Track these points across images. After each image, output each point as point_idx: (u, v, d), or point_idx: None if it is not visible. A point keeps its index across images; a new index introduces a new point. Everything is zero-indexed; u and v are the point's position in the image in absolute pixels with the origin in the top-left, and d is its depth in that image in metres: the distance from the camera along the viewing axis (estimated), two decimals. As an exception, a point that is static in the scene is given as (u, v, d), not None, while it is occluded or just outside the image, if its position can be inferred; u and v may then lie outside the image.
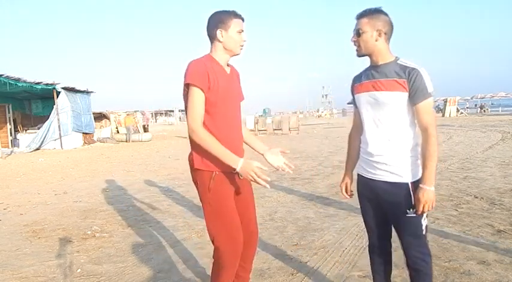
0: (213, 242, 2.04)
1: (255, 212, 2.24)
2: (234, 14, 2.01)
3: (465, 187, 5.45)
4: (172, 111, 70.19)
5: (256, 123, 20.73)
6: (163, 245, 3.62)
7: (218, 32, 1.98)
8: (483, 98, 42.26)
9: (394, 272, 2.21)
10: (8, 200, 5.91)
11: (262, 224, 4.15)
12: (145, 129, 22.72)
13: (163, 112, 77.52)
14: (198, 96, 1.91)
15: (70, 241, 3.83)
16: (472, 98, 43.78)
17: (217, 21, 1.99)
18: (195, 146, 1.99)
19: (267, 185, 1.91)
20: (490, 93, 42.08)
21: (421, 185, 1.79)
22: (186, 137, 21.51)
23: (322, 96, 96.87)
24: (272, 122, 21.71)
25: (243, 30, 2.02)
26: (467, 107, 42.33)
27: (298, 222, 4.20)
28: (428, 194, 1.76)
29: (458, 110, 34.66)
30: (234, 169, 1.99)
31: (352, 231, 3.74)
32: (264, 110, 57.71)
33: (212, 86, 1.93)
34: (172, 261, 3.21)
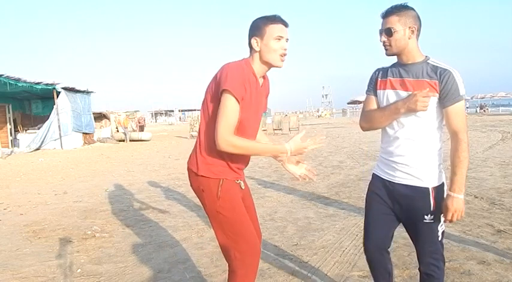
0: (228, 254, 1.85)
1: (257, 216, 2.12)
2: (271, 19, 1.78)
3: (465, 187, 5.44)
4: (172, 111, 70.29)
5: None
6: (163, 245, 3.62)
7: (253, 40, 1.79)
8: (483, 98, 42.34)
9: (394, 271, 2.20)
10: (8, 200, 5.91)
11: (262, 224, 4.15)
12: (142, 129, 22.90)
13: (164, 112, 77.58)
14: (234, 106, 1.71)
15: (70, 241, 3.83)
16: (472, 98, 43.82)
17: (252, 28, 1.81)
18: (201, 151, 1.85)
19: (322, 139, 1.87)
20: (490, 93, 42.16)
21: (449, 193, 1.69)
22: (186, 137, 21.39)
23: (322, 96, 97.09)
24: (272, 121, 21.73)
25: (282, 37, 1.77)
26: (467, 107, 42.35)
27: (298, 222, 4.20)
28: (458, 203, 1.67)
29: (458, 110, 34.60)
30: (238, 178, 1.88)
31: (352, 231, 3.74)
32: (264, 110, 57.60)
33: (244, 99, 1.75)
34: (172, 261, 3.21)
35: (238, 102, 1.72)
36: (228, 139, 1.70)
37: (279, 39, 1.76)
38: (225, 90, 1.69)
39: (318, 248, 3.36)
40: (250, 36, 1.81)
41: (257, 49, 1.79)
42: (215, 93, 1.78)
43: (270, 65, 1.82)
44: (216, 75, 1.79)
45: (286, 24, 1.80)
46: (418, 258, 1.87)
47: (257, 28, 1.78)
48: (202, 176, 1.83)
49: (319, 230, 3.87)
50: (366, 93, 1.93)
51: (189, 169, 1.91)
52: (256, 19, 1.82)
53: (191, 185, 1.94)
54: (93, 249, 3.58)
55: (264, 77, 1.92)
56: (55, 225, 4.43)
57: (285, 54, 1.81)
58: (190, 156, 1.92)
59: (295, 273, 2.87)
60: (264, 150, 1.82)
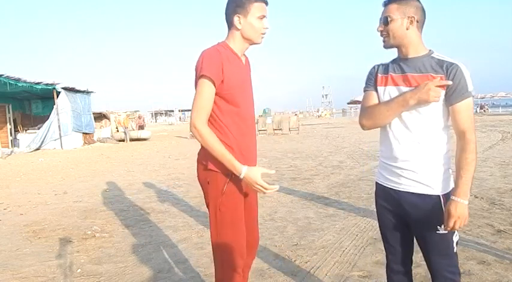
0: (215, 258, 1.84)
1: (257, 217, 2.06)
2: None
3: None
4: (172, 111, 70.31)
5: (256, 123, 20.70)
6: (163, 245, 3.62)
7: (236, 18, 1.75)
8: (483, 98, 42.38)
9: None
10: (8, 200, 5.91)
11: (262, 224, 4.15)
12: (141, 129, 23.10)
13: (163, 112, 77.60)
14: (207, 89, 1.69)
15: (70, 241, 3.83)
16: (472, 98, 43.83)
17: (235, 5, 1.75)
18: None
19: (276, 189, 1.80)
20: (490, 93, 42.21)
21: (453, 197, 1.54)
22: (186, 137, 21.25)
23: (322, 96, 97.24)
24: (272, 121, 21.75)
25: (265, 16, 1.77)
26: (467, 107, 42.31)
27: (298, 222, 4.20)
28: (462, 208, 1.52)
29: (458, 110, 34.67)
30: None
31: (352, 231, 3.74)
32: (264, 109, 57.86)
33: (227, 79, 1.71)
34: (172, 261, 3.21)
35: (214, 85, 1.70)
36: (197, 127, 1.70)
37: (262, 18, 1.77)
38: (201, 76, 1.69)
39: (318, 248, 3.36)
40: (232, 12, 1.76)
41: (239, 27, 1.77)
42: (195, 82, 1.77)
43: (251, 42, 1.82)
44: (195, 67, 1.77)
45: (267, 3, 1.80)
46: (431, 274, 1.71)
47: (241, 5, 1.74)
48: (211, 169, 1.78)
49: (319, 230, 3.87)
50: (365, 89, 1.77)
51: (198, 162, 1.87)
52: None
53: (198, 178, 1.90)
54: (93, 249, 3.58)
55: (244, 55, 1.90)
56: (55, 225, 4.43)
57: (265, 33, 1.81)
58: (200, 151, 1.87)
59: (295, 273, 2.87)
60: (223, 155, 1.70)
